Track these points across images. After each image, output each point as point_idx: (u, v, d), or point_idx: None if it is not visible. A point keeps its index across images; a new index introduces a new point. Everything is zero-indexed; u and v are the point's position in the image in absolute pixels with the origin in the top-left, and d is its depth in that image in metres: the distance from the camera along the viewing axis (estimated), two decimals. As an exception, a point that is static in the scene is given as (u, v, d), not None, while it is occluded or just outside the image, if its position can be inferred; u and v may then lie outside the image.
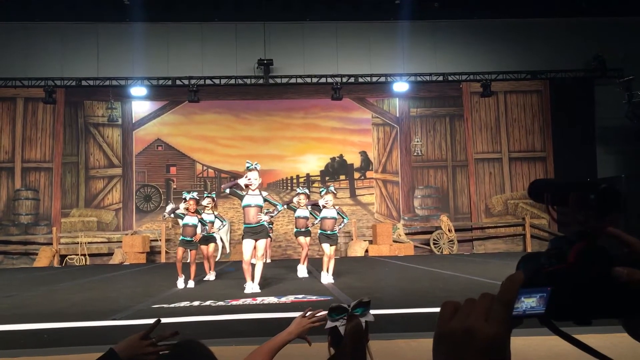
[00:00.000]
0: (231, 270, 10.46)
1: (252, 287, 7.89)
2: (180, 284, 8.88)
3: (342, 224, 9.57)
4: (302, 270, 10.09)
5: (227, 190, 8.10)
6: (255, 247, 8.08)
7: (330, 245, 9.10)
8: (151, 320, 6.01)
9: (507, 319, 0.61)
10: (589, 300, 0.62)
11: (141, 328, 5.73)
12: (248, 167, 8.09)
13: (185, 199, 9.25)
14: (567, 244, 0.68)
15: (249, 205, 8.06)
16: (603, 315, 0.62)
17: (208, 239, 10.06)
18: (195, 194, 9.33)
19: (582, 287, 0.62)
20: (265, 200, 8.22)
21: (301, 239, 10.08)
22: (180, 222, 9.26)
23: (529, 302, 0.62)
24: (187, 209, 9.15)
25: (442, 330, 0.63)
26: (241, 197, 8.03)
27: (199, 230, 9.23)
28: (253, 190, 8.06)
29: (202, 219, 9.30)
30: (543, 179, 0.79)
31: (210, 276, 10.19)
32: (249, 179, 7.96)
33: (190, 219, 9.07)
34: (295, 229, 10.29)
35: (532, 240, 16.80)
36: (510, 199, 17.37)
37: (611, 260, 0.64)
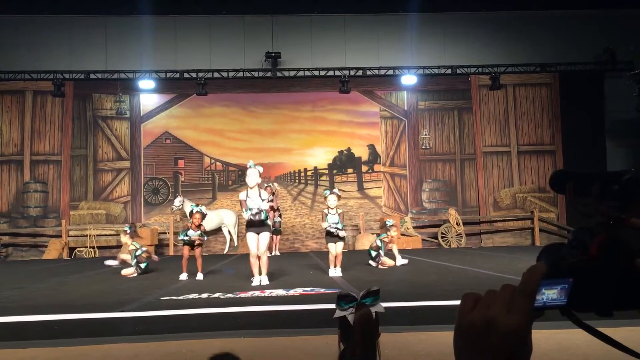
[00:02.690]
0: (229, 271, 10.40)
1: (259, 280, 7.91)
2: (183, 277, 8.90)
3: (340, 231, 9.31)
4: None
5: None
6: (258, 241, 8.03)
7: (336, 243, 8.99)
8: (161, 312, 6.01)
9: (528, 310, 0.60)
10: (611, 292, 0.61)
11: (150, 320, 5.75)
12: (249, 166, 8.12)
13: (191, 212, 9.18)
14: (590, 235, 0.67)
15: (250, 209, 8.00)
16: (625, 306, 0.61)
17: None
18: (203, 209, 9.29)
19: (604, 278, 0.61)
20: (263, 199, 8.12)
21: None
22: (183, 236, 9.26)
23: (550, 294, 0.61)
24: (192, 221, 9.10)
25: (463, 321, 0.62)
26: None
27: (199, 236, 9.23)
28: (252, 188, 8.07)
29: (204, 231, 9.30)
30: (564, 170, 0.78)
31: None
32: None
33: (192, 232, 9.06)
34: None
35: (541, 234, 16.73)
36: (519, 192, 17.28)
37: (634, 251, 0.63)
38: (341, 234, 8.97)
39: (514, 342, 0.59)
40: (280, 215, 14.39)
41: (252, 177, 8.10)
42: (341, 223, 9.06)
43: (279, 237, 14.36)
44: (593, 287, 0.61)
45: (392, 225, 10.65)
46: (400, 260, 10.56)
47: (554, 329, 3.77)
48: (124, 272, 9.92)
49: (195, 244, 9.10)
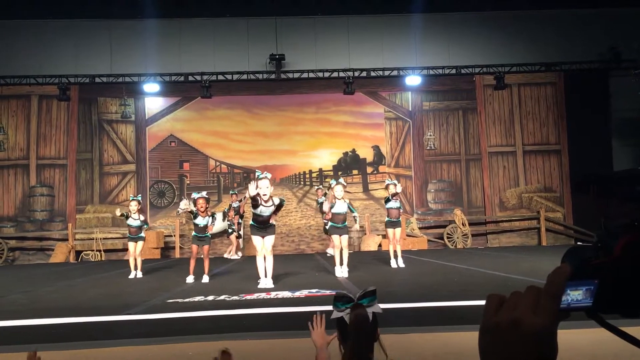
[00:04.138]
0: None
1: (265, 282, 7.93)
2: (190, 280, 8.97)
3: (357, 222, 9.74)
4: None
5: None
6: (264, 243, 8.04)
7: (340, 236, 9.00)
8: (167, 315, 6.02)
9: (554, 312, 0.60)
10: (637, 293, 0.60)
11: (156, 322, 5.75)
12: (258, 176, 7.89)
13: (194, 199, 9.37)
14: (614, 237, 0.67)
15: (262, 214, 7.94)
16: None
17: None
18: (204, 194, 9.50)
19: (630, 279, 0.61)
20: (280, 205, 8.02)
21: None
22: (193, 219, 9.51)
23: (575, 295, 0.61)
24: (198, 209, 9.30)
25: (488, 322, 0.62)
26: (258, 206, 7.83)
27: (210, 222, 9.46)
28: (266, 201, 7.87)
29: (213, 213, 9.61)
30: (589, 173, 0.78)
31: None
32: (259, 188, 7.73)
33: (202, 220, 9.32)
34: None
35: (547, 234, 16.66)
36: (525, 192, 17.22)
37: None
38: (355, 226, 9.39)
39: (540, 343, 0.59)
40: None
41: (268, 187, 7.83)
42: (354, 209, 9.36)
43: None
44: (618, 289, 0.61)
45: (389, 184, 10.19)
46: (400, 263, 10.49)
47: (560, 329, 3.75)
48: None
49: (207, 232, 9.33)
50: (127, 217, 10.50)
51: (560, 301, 0.61)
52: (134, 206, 10.59)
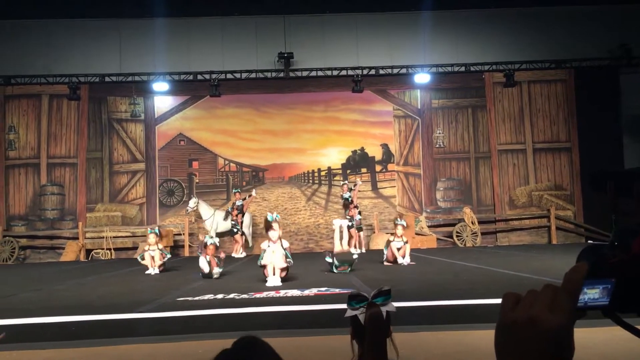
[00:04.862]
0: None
1: (273, 280, 7.96)
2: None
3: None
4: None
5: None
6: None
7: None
8: (177, 313, 6.04)
9: (572, 310, 0.60)
10: None
11: (166, 321, 5.77)
12: (269, 219, 8.14)
13: (205, 243, 9.36)
14: (631, 235, 0.67)
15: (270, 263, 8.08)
16: None
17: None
18: (216, 240, 9.49)
19: None
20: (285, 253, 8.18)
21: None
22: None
23: (592, 294, 0.61)
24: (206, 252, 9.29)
25: (504, 320, 0.62)
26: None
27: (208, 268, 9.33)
28: (274, 242, 8.11)
29: (220, 260, 9.39)
30: (605, 169, 0.78)
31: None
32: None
33: (204, 261, 9.22)
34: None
35: (558, 232, 16.57)
36: (535, 190, 17.13)
37: None
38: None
39: (557, 342, 0.58)
40: (360, 213, 14.59)
41: (277, 231, 8.13)
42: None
43: (361, 233, 14.60)
44: (635, 288, 0.60)
45: (398, 224, 10.87)
46: (405, 260, 10.54)
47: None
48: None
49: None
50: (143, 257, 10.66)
51: (578, 300, 0.60)
52: (152, 239, 10.58)
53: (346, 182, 14.83)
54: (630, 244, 0.61)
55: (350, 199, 14.16)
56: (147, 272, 10.37)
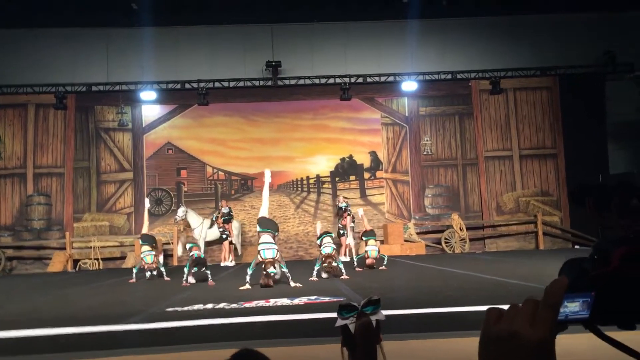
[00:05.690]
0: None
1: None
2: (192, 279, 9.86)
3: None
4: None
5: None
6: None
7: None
8: (166, 324, 6.01)
9: (552, 324, 0.61)
10: (634, 305, 0.62)
11: (155, 332, 5.73)
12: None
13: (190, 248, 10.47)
14: (611, 249, 0.68)
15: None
16: None
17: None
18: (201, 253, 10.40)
19: (627, 291, 0.62)
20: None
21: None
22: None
23: (572, 307, 0.62)
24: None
25: (487, 334, 0.63)
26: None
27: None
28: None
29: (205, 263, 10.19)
30: (584, 184, 0.80)
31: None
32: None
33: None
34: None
35: (545, 238, 16.68)
36: (522, 196, 17.26)
37: None
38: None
39: (539, 355, 0.60)
40: (353, 220, 14.64)
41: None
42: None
43: (351, 242, 14.69)
44: (615, 300, 0.62)
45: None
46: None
47: (560, 334, 3.76)
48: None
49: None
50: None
51: (558, 313, 0.62)
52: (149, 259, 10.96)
53: (342, 197, 15.33)
54: (609, 258, 0.63)
55: (345, 208, 14.40)
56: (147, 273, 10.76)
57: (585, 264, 0.69)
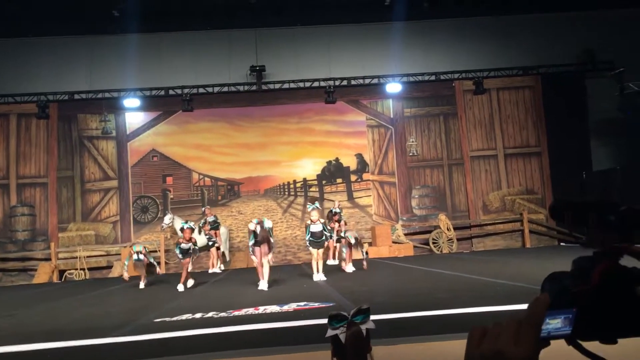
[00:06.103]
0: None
1: (263, 285, 9.18)
2: (180, 288, 10.11)
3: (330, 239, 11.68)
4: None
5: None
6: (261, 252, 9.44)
7: (318, 249, 10.68)
8: (154, 336, 5.96)
9: (535, 341, 0.62)
10: (615, 320, 0.62)
11: (144, 344, 5.69)
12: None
13: (182, 228, 10.54)
14: (591, 264, 0.69)
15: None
16: (629, 333, 0.63)
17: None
18: (192, 224, 10.84)
19: (608, 306, 0.62)
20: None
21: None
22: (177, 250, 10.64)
23: (554, 324, 0.63)
24: (183, 238, 10.43)
25: (472, 353, 0.63)
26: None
27: (191, 248, 10.60)
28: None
29: (195, 243, 10.65)
30: (563, 199, 0.80)
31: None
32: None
33: (186, 245, 10.45)
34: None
35: (531, 235, 16.82)
36: (507, 195, 17.39)
37: (635, 278, 0.65)
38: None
39: None
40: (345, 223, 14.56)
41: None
42: (328, 230, 10.98)
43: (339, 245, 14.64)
44: (596, 316, 0.62)
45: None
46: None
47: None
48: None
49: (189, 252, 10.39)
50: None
51: (541, 330, 0.62)
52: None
53: (337, 201, 15.19)
54: (589, 274, 0.64)
55: (337, 213, 14.33)
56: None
57: (566, 280, 0.69)
